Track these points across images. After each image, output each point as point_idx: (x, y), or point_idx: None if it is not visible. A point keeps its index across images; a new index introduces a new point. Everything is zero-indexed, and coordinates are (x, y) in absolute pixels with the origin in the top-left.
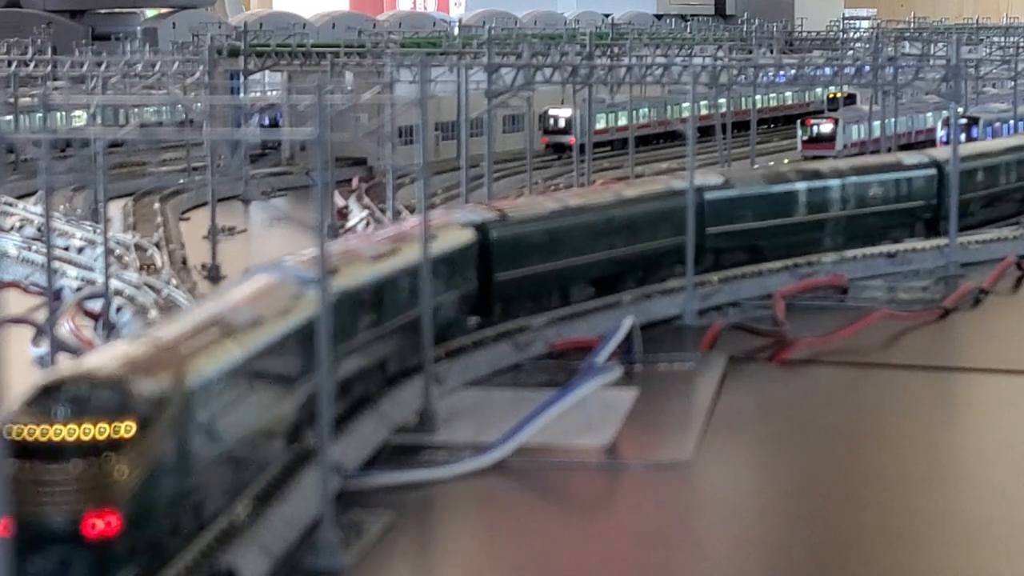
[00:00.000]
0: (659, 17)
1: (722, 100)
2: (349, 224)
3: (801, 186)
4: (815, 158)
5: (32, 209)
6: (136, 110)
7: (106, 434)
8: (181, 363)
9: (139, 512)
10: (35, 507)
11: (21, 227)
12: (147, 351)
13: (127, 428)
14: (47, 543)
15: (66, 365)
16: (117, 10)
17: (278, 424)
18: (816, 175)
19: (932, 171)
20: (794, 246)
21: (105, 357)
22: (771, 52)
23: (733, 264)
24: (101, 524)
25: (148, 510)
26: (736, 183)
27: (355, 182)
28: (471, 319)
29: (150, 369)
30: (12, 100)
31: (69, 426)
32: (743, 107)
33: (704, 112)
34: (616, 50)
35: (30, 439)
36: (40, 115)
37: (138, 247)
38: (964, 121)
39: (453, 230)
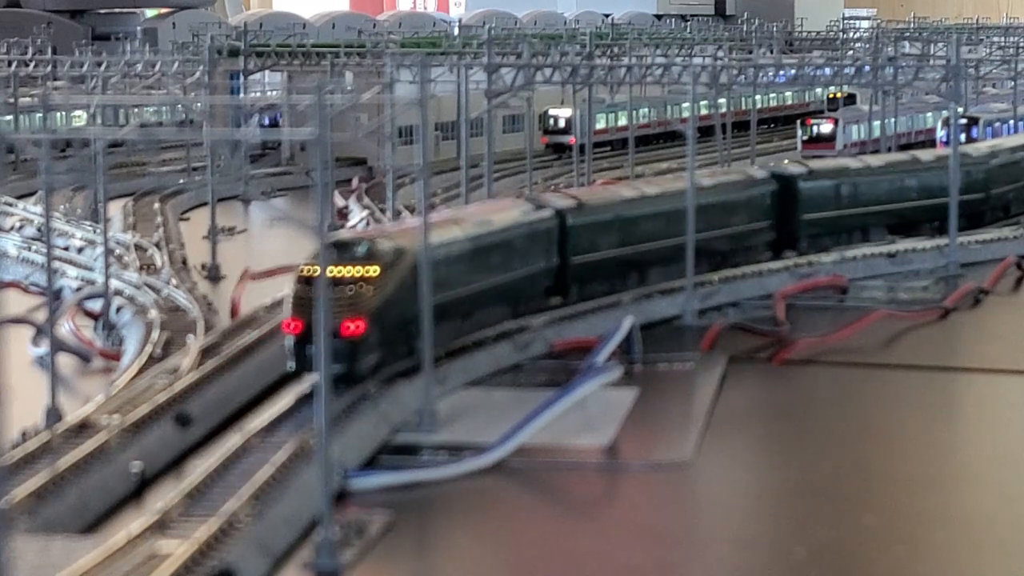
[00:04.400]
0: (659, 17)
1: (722, 100)
2: (349, 224)
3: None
4: (815, 158)
5: (32, 209)
6: (136, 110)
7: (360, 273)
8: (414, 234)
9: (377, 322)
10: (313, 316)
11: (21, 227)
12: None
13: (373, 270)
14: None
15: (341, 232)
16: (117, 10)
17: (491, 292)
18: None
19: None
20: None
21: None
22: (771, 52)
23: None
24: (353, 327)
25: (382, 323)
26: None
27: (355, 182)
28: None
29: (392, 236)
30: (12, 100)
31: (338, 267)
32: (743, 107)
33: (704, 112)
34: (616, 50)
35: (314, 275)
36: (40, 115)
37: (138, 247)
38: (964, 121)
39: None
